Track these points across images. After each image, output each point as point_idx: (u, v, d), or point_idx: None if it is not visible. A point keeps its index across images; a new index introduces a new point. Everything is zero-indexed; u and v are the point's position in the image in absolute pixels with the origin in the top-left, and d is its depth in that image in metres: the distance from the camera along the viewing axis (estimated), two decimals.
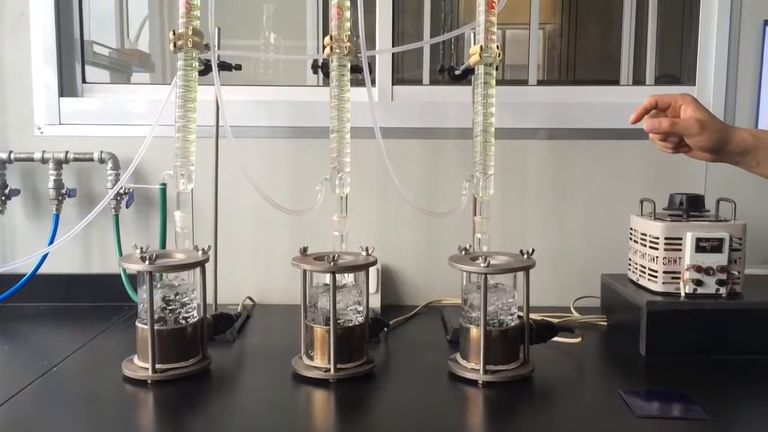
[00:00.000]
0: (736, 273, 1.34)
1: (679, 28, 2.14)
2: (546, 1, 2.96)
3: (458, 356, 1.23)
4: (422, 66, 1.98)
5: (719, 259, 1.32)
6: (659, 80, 1.98)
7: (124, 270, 1.64)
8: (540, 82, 2.08)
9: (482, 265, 1.14)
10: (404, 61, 2.09)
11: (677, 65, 2.14)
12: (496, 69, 1.34)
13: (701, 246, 1.32)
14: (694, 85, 1.72)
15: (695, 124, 1.01)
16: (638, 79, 2.12)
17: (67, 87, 1.74)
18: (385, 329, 1.40)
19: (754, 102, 1.66)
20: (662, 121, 1.03)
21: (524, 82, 1.91)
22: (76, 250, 1.72)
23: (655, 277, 1.36)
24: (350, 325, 1.21)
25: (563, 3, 3.14)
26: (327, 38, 1.31)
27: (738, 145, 1.02)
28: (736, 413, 1.11)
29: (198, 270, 1.22)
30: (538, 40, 2.80)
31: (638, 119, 1.08)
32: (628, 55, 2.30)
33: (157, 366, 1.16)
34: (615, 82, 2.23)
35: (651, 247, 1.37)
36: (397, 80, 1.77)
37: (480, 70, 1.32)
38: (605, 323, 1.53)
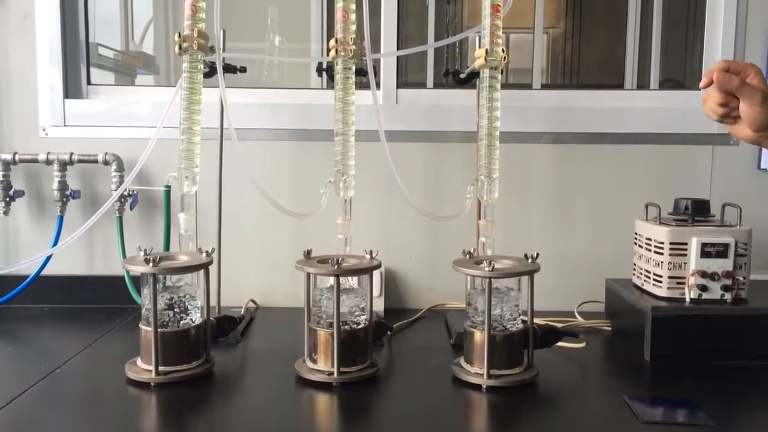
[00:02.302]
0: (742, 278, 1.33)
1: (683, 33, 2.14)
2: (550, 6, 2.96)
3: (462, 360, 1.22)
4: (425, 69, 1.98)
5: (724, 265, 1.32)
6: (663, 85, 1.98)
7: (128, 272, 1.64)
8: (544, 86, 2.08)
9: (487, 269, 1.14)
10: (407, 65, 2.09)
11: (681, 70, 2.13)
12: (501, 72, 1.34)
13: (706, 251, 1.32)
14: (699, 91, 1.72)
15: (760, 93, 0.99)
16: (642, 84, 2.12)
17: (72, 89, 1.74)
18: (389, 333, 1.40)
19: None
20: (734, 78, 1.00)
21: (528, 86, 1.91)
22: (79, 251, 1.72)
23: (660, 282, 1.36)
24: (354, 328, 1.20)
25: (567, 7, 3.14)
26: (332, 41, 1.31)
27: None
28: (742, 419, 1.11)
29: (201, 272, 1.22)
30: (543, 44, 2.80)
31: (709, 82, 1.05)
32: (632, 60, 2.30)
33: (160, 368, 1.16)
34: (619, 86, 2.22)
35: (656, 252, 1.37)
36: (400, 84, 1.77)
37: (485, 73, 1.32)
38: (609, 328, 1.52)
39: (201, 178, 1.31)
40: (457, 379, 1.19)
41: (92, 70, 1.82)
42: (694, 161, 1.69)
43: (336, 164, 1.33)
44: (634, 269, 1.48)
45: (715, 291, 1.32)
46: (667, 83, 2.03)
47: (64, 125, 1.71)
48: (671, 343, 1.30)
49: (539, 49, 1.92)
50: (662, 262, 1.35)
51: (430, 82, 1.95)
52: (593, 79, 3.24)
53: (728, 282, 1.31)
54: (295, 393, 1.16)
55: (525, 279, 1.19)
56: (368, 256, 1.25)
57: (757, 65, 1.03)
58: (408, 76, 2.10)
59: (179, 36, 1.26)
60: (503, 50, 1.31)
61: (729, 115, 1.04)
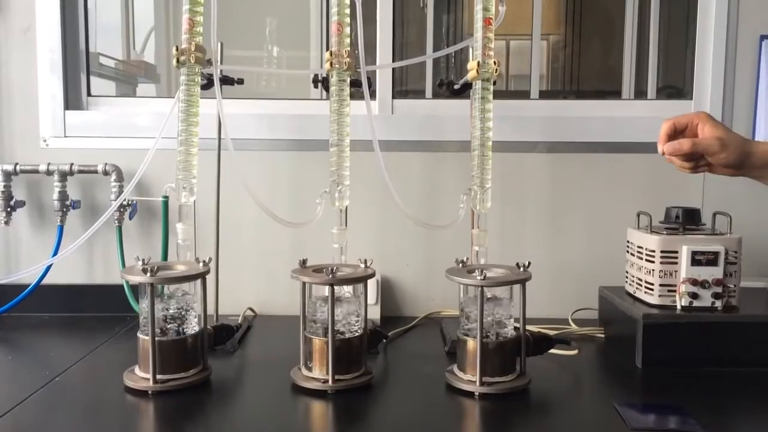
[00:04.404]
0: (732, 286, 1.35)
1: (683, 39, 2.16)
2: (549, 12, 2.97)
3: (455, 368, 1.24)
4: (425, 77, 2.01)
5: (715, 273, 1.33)
6: (662, 91, 1.99)
7: (127, 281, 1.66)
8: (544, 92, 2.09)
9: (478, 277, 1.16)
10: (408, 73, 2.11)
11: (680, 76, 2.15)
12: (494, 83, 1.36)
13: (697, 259, 1.33)
14: (691, 99, 1.74)
15: (716, 142, 1.00)
16: (641, 90, 2.14)
17: (72, 100, 1.76)
18: (384, 340, 1.42)
19: (750, 117, 1.67)
20: (683, 142, 1.02)
21: (528, 93, 1.93)
22: (79, 261, 1.74)
23: (651, 289, 1.37)
24: (349, 336, 1.22)
25: (567, 13, 3.15)
26: (327, 53, 1.34)
27: (760, 158, 1.01)
28: (732, 426, 1.12)
29: (199, 281, 1.24)
30: (542, 50, 2.81)
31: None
32: (629, 67, 2.32)
33: (158, 377, 1.17)
34: (619, 92, 2.24)
35: (647, 260, 1.38)
36: (401, 91, 1.79)
37: (477, 85, 1.34)
38: (603, 335, 1.53)
39: (199, 188, 1.32)
40: (451, 387, 1.20)
41: (94, 79, 1.85)
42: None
43: (331, 174, 1.35)
44: (627, 277, 1.49)
45: (706, 299, 1.33)
46: (666, 90, 2.04)
47: (65, 136, 1.73)
48: (662, 351, 1.32)
49: (537, 58, 1.93)
50: (653, 270, 1.36)
51: (428, 92, 1.97)
52: (594, 85, 3.25)
53: (719, 290, 1.33)
54: (290, 401, 1.18)
55: (517, 287, 1.21)
56: (363, 265, 1.27)
57: (704, 112, 1.05)
58: (409, 85, 2.12)
59: (177, 49, 1.28)
60: (495, 62, 1.33)
61: (700, 165, 1.05)
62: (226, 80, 1.47)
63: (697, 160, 1.05)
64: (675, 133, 1.05)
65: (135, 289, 1.62)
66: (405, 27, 2.23)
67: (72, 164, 1.66)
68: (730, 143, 1.01)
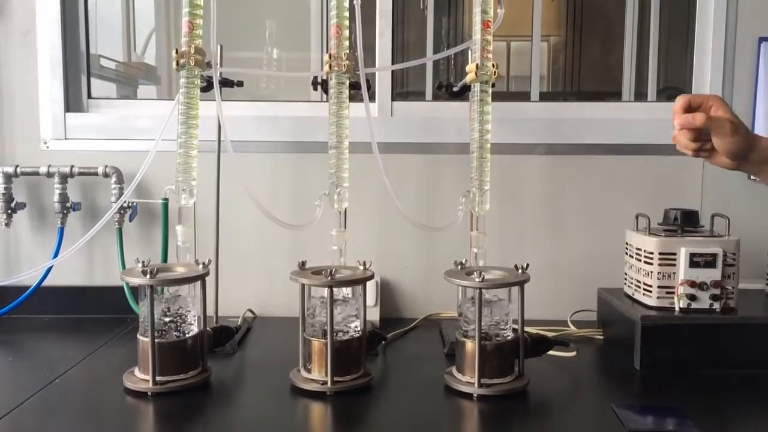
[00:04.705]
0: (730, 288, 1.35)
1: (684, 40, 2.16)
2: (550, 14, 2.98)
3: (454, 369, 1.24)
4: (426, 78, 2.01)
5: (713, 274, 1.33)
6: (663, 92, 2.00)
7: (127, 283, 1.66)
8: (545, 94, 2.09)
9: (477, 279, 1.16)
10: (408, 75, 2.11)
11: (681, 78, 2.15)
12: (493, 86, 1.37)
13: (695, 261, 1.33)
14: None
15: (729, 124, 0.98)
16: (642, 91, 2.15)
17: (72, 102, 1.77)
18: (383, 342, 1.42)
19: (749, 119, 1.67)
20: (696, 116, 0.99)
21: (528, 94, 1.93)
22: (80, 262, 1.74)
23: (650, 291, 1.38)
24: (347, 338, 1.22)
25: (567, 15, 3.16)
26: (326, 56, 1.34)
27: (762, 153, 1.00)
28: (730, 428, 1.12)
29: (198, 283, 1.24)
30: (542, 52, 2.81)
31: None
32: (630, 69, 2.32)
33: (158, 378, 1.18)
34: (619, 93, 2.25)
35: (645, 262, 1.39)
36: (402, 93, 1.79)
37: (476, 87, 1.34)
38: (601, 337, 1.54)
39: (199, 189, 1.33)
40: (449, 388, 1.21)
41: (94, 80, 1.85)
42: (685, 172, 1.70)
43: (330, 176, 1.36)
44: (625, 279, 1.50)
45: (704, 300, 1.34)
46: (666, 91, 2.05)
47: (65, 138, 1.74)
48: (661, 352, 1.32)
49: (537, 60, 1.93)
50: (652, 271, 1.37)
51: (429, 94, 1.98)
52: (595, 86, 3.26)
53: (717, 291, 1.33)
54: (289, 402, 1.18)
55: (516, 289, 1.21)
56: (362, 267, 1.27)
57: (718, 96, 1.03)
58: (409, 86, 2.12)
59: (177, 52, 1.29)
60: (494, 65, 1.33)
61: (703, 148, 1.03)
62: (225, 83, 1.48)
63: (703, 142, 1.03)
64: (689, 111, 1.02)
65: (135, 290, 1.63)
66: (405, 29, 2.24)
67: (72, 166, 1.66)
68: (741, 130, 1.00)
